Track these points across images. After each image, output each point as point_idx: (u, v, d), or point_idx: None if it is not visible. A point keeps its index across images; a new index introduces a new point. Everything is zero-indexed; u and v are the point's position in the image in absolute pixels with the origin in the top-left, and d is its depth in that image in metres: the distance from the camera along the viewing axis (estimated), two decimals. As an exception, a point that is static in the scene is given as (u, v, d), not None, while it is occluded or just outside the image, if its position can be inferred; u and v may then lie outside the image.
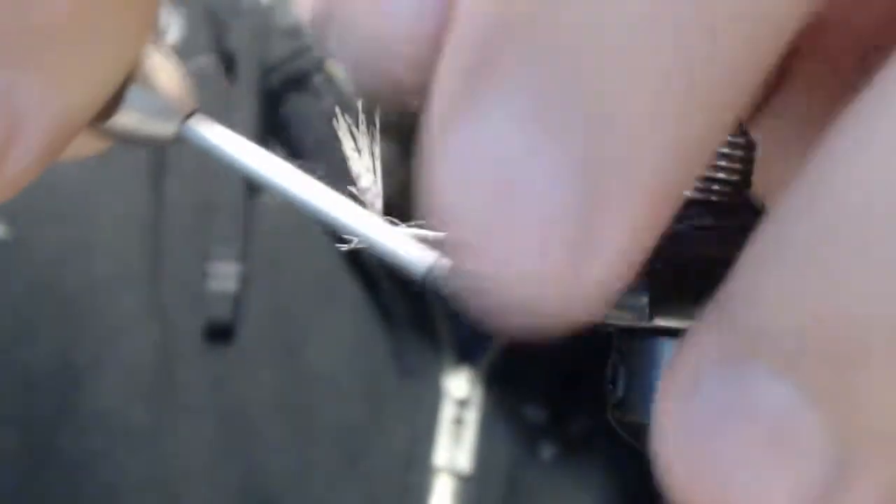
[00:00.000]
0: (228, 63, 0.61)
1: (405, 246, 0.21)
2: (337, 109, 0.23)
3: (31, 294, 0.58)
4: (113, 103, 0.21)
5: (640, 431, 0.24)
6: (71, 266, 0.59)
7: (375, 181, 0.24)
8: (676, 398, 0.17)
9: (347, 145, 0.24)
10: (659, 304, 0.23)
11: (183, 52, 0.61)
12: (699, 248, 0.23)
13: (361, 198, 0.24)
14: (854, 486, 0.15)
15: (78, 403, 0.57)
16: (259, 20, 0.61)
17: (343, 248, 0.26)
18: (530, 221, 0.16)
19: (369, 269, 0.60)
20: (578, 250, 0.16)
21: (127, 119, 0.21)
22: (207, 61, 0.62)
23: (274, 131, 0.61)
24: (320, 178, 0.23)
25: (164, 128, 0.22)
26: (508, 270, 0.16)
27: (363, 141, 0.24)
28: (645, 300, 0.23)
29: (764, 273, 0.16)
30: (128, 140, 0.22)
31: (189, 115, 0.22)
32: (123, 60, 0.20)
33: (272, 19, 0.61)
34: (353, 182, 0.25)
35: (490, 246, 0.16)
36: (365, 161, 0.24)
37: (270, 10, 0.61)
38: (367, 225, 0.22)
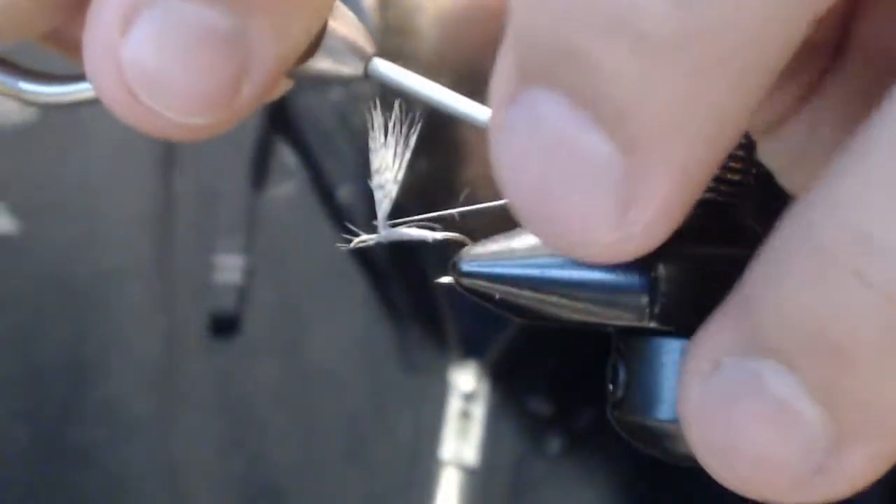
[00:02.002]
0: None
1: None
2: (373, 102, 0.24)
3: (40, 288, 0.59)
4: (311, 48, 0.24)
5: (640, 431, 0.24)
6: (79, 260, 0.59)
7: (395, 180, 0.24)
8: (699, 374, 0.20)
9: (375, 138, 0.25)
10: (659, 304, 0.23)
11: None
12: (699, 248, 0.23)
13: (374, 192, 0.25)
14: (844, 456, 0.19)
15: (86, 396, 0.57)
16: None
17: (348, 247, 0.26)
18: (580, 179, 0.18)
19: (375, 262, 0.60)
20: (622, 203, 0.18)
21: (322, 62, 0.25)
22: None
23: (281, 125, 0.62)
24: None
25: (351, 68, 0.25)
26: (563, 223, 0.19)
27: (394, 138, 0.25)
28: (645, 300, 0.23)
29: (772, 284, 0.19)
30: (321, 79, 0.25)
31: (370, 58, 0.25)
32: (323, 11, 0.23)
33: None
34: (366, 174, 0.25)
35: (548, 202, 0.19)
36: (388, 158, 0.25)
37: None
38: None
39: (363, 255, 0.60)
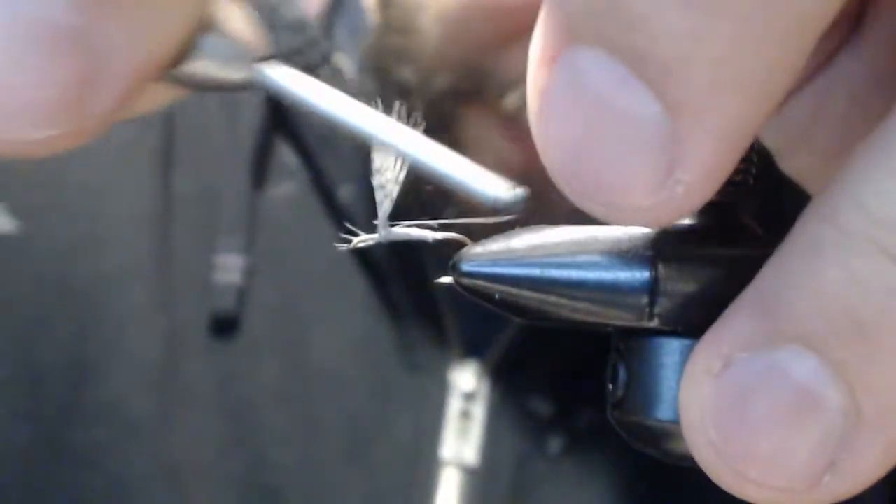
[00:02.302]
0: None
1: (476, 174, 0.22)
2: (375, 102, 0.23)
3: (41, 288, 0.59)
4: (187, 50, 0.21)
5: (640, 431, 0.24)
6: (80, 260, 0.59)
7: (396, 180, 0.24)
8: (708, 374, 0.19)
9: (376, 136, 0.24)
10: (659, 304, 0.23)
11: None
12: (699, 248, 0.23)
13: (375, 191, 0.24)
14: (858, 448, 0.19)
15: (86, 396, 0.57)
16: (265, 14, 0.61)
17: (348, 247, 0.26)
18: (624, 140, 0.18)
19: (376, 262, 0.60)
20: (666, 164, 0.18)
21: (200, 65, 0.21)
22: None
23: (280, 125, 0.62)
24: (389, 116, 0.23)
25: (236, 73, 0.22)
26: (606, 184, 0.19)
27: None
28: (645, 300, 0.23)
29: (797, 269, 0.19)
30: (202, 86, 0.22)
31: (261, 61, 0.22)
32: (196, 7, 0.20)
33: (278, 13, 0.61)
34: (366, 173, 0.25)
35: (590, 164, 0.18)
36: (390, 158, 0.24)
37: (276, 4, 0.61)
38: (444, 157, 0.22)
39: (363, 255, 0.60)
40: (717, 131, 0.18)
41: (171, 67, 0.21)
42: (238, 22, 0.22)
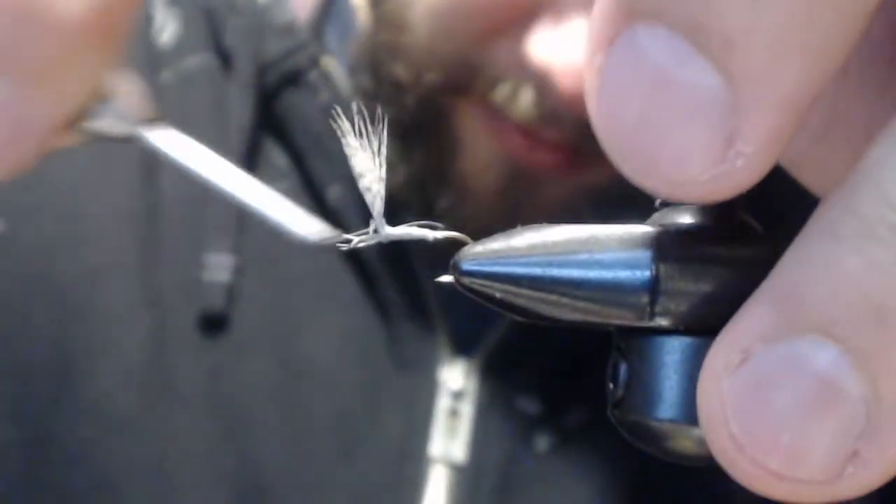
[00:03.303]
0: (225, 61, 0.61)
1: (294, 214, 0.27)
2: (336, 110, 0.24)
3: (25, 286, 0.58)
4: (85, 112, 0.28)
5: (640, 430, 0.24)
6: (63, 258, 0.59)
7: (379, 179, 0.24)
8: (727, 368, 0.19)
9: (350, 144, 0.24)
10: (660, 303, 0.23)
11: (179, 50, 0.61)
12: (700, 247, 0.23)
13: (363, 195, 0.24)
14: (881, 438, 0.19)
15: (72, 393, 0.57)
16: (254, 18, 0.61)
17: (347, 247, 0.26)
18: (685, 113, 0.18)
19: (365, 261, 0.60)
20: (727, 136, 0.18)
21: (96, 122, 0.28)
22: (204, 59, 0.62)
23: (270, 128, 0.61)
24: (265, 183, 0.28)
25: (123, 129, 0.29)
26: (666, 158, 0.19)
27: (366, 140, 0.24)
28: (645, 299, 0.23)
29: (815, 258, 0.19)
30: (95, 138, 0.28)
31: (148, 122, 0.29)
32: (99, 80, 0.27)
33: (268, 17, 0.61)
34: (351, 178, 0.25)
35: (650, 139, 0.19)
36: (368, 160, 0.24)
37: (266, 8, 0.61)
38: (269, 199, 0.28)
39: (353, 254, 0.60)
40: (778, 102, 0.18)
41: (74, 124, 0.27)
42: (127, 90, 0.29)
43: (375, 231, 0.25)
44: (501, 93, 0.55)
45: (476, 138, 0.57)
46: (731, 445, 0.20)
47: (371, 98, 0.58)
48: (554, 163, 0.56)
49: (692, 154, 0.19)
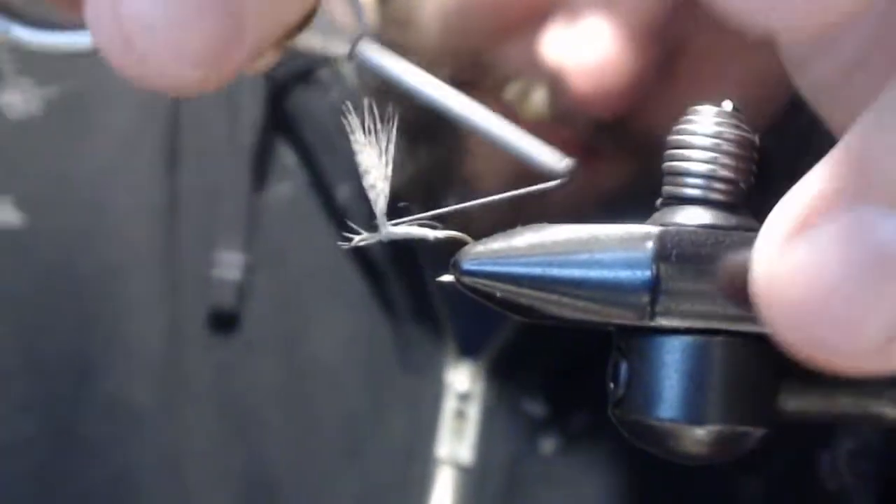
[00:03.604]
0: None
1: (533, 144, 0.25)
2: (346, 106, 0.24)
3: (46, 281, 0.59)
4: (303, 24, 0.25)
5: (641, 430, 0.24)
6: (84, 252, 0.59)
7: (384, 177, 0.24)
8: (785, 236, 0.19)
9: (357, 141, 0.24)
10: (660, 303, 0.23)
11: None
12: (700, 247, 0.23)
13: (367, 193, 0.24)
14: None
15: (91, 388, 0.57)
16: None
17: (347, 245, 0.26)
18: None
19: (374, 261, 0.60)
20: None
21: (310, 38, 0.26)
22: None
23: (280, 125, 0.62)
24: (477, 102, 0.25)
25: (339, 47, 0.26)
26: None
27: (374, 138, 0.25)
28: (646, 299, 0.23)
29: (887, 127, 0.19)
30: (307, 55, 0.26)
31: (358, 39, 0.26)
32: None
33: None
34: (360, 175, 0.25)
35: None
36: (374, 157, 0.24)
37: None
38: (508, 130, 0.25)
39: (362, 254, 0.60)
40: None
41: (289, 37, 0.25)
42: (345, 4, 0.26)
43: (377, 230, 0.25)
44: (512, 91, 0.55)
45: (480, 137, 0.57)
46: (781, 312, 0.19)
47: (379, 96, 0.58)
48: None
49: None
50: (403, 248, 0.59)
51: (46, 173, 0.60)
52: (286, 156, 0.62)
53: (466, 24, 0.55)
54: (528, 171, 0.62)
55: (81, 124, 0.61)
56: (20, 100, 0.60)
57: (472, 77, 0.55)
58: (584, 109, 0.53)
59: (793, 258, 0.19)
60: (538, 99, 0.54)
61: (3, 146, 0.60)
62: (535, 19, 0.53)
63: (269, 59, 0.26)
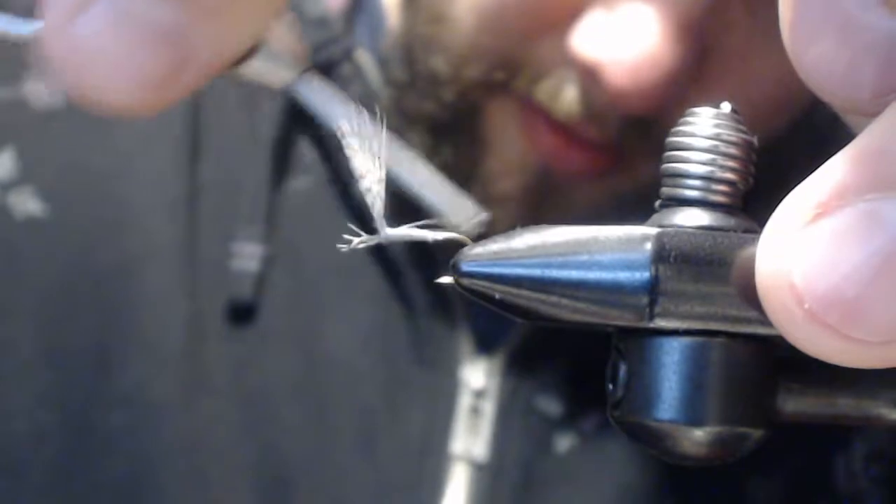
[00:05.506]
0: None
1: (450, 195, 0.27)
2: (338, 113, 0.24)
3: (67, 272, 0.59)
4: (248, 54, 0.27)
5: (640, 431, 0.24)
6: (105, 244, 0.59)
7: (379, 180, 0.24)
8: (802, 220, 0.19)
9: (350, 146, 0.25)
10: (659, 304, 0.23)
11: None
12: (700, 249, 0.23)
13: (365, 195, 0.25)
14: None
15: (111, 380, 0.58)
16: (288, 10, 0.61)
17: (361, 245, 0.26)
18: None
19: (391, 257, 0.60)
20: None
21: (255, 67, 0.27)
22: None
23: (300, 122, 0.62)
24: (402, 145, 0.27)
25: (279, 78, 0.28)
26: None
27: (367, 142, 0.25)
28: (645, 300, 0.23)
29: None
30: (249, 83, 0.28)
31: (302, 72, 0.28)
32: (265, 21, 0.26)
33: (300, 9, 0.61)
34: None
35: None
36: (367, 161, 0.24)
37: (299, 0, 0.62)
38: (426, 178, 0.27)
39: (379, 250, 0.60)
40: None
41: (235, 65, 0.26)
42: (285, 36, 0.28)
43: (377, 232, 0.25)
44: (544, 89, 0.54)
45: (507, 137, 0.57)
46: (790, 297, 0.19)
47: (404, 91, 0.57)
48: (588, 163, 0.56)
49: None
50: (421, 245, 0.60)
51: (68, 164, 0.60)
52: (306, 151, 0.62)
53: (502, 22, 0.54)
54: (545, 170, 0.61)
55: (103, 116, 0.61)
56: (44, 90, 0.61)
57: (504, 75, 0.55)
58: (619, 106, 0.52)
59: (805, 246, 0.19)
60: (570, 97, 0.54)
61: (26, 136, 0.60)
62: (570, 16, 0.52)
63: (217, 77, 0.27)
